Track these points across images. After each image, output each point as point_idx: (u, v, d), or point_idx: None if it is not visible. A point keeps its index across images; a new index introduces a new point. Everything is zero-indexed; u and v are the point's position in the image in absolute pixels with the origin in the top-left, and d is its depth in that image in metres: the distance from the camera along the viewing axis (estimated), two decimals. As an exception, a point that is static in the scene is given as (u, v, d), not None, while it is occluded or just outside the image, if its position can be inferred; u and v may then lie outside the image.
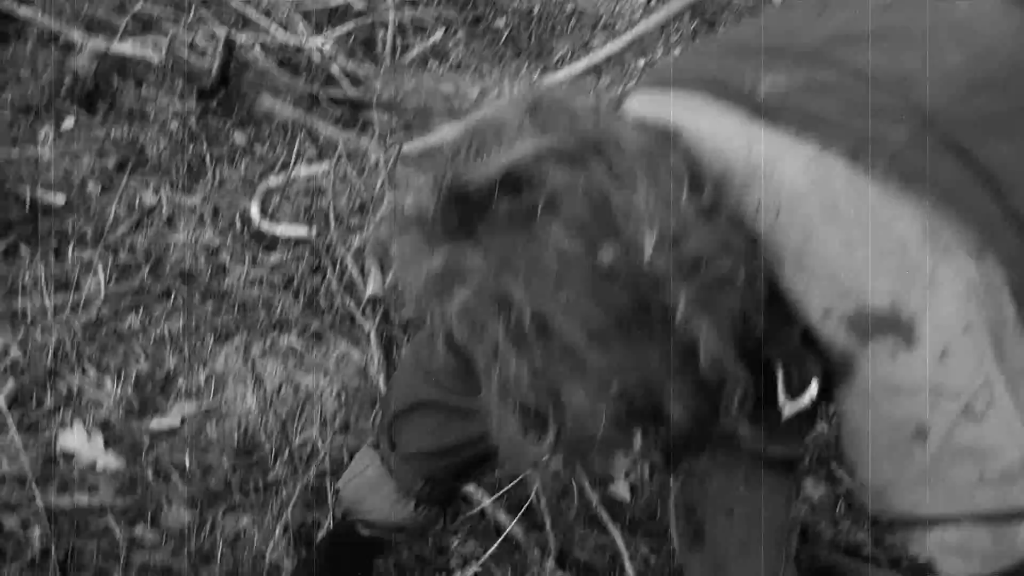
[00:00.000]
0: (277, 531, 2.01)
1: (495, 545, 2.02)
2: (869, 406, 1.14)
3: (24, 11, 3.40)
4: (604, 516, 2.16)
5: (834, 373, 1.17)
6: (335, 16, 3.79)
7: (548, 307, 1.03)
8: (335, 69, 3.51)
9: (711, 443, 1.21)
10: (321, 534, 2.03)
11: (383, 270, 2.67)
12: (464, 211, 1.06)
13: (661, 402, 1.08)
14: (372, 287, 2.58)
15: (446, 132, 3.18)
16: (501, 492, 2.12)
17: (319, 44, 3.53)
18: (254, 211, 2.86)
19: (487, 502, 2.11)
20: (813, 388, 1.17)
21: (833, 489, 2.43)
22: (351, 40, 3.73)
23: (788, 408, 1.20)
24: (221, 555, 1.96)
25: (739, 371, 1.10)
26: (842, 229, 1.12)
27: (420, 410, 1.61)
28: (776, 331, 1.14)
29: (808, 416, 1.77)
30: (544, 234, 1.03)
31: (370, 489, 1.69)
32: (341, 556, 1.78)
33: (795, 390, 1.19)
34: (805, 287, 1.13)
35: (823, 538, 2.30)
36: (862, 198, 1.12)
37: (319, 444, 2.18)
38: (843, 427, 1.20)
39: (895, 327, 1.10)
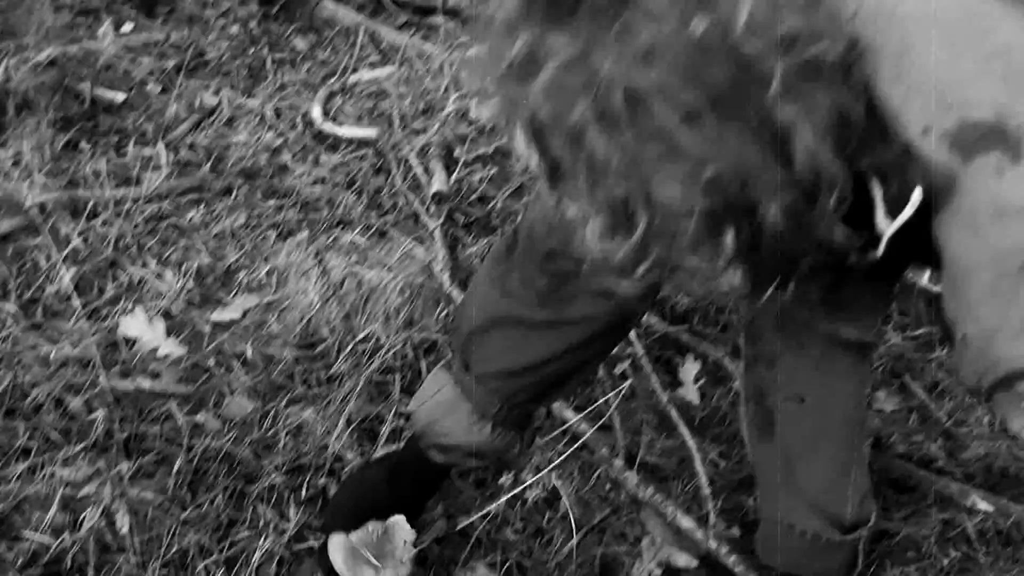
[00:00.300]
0: (340, 423, 1.96)
1: (568, 451, 1.96)
2: (973, 235, 1.06)
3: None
4: (674, 416, 2.10)
5: (935, 201, 1.09)
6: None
7: (639, 83, 0.97)
8: (399, -25, 3.44)
9: (801, 265, 1.13)
10: (384, 429, 1.99)
11: (448, 168, 2.61)
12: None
13: (755, 198, 1.01)
14: (437, 184, 2.52)
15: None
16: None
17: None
18: (316, 113, 2.81)
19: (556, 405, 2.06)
20: (915, 198, 1.09)
21: (906, 402, 2.36)
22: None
23: (887, 228, 1.12)
24: (283, 444, 1.93)
25: (836, 170, 1.03)
26: (943, 37, 1.04)
27: (497, 327, 1.54)
28: (873, 143, 1.06)
29: (884, 295, 1.69)
30: (635, 8, 0.97)
31: (444, 412, 1.61)
32: (404, 482, 1.72)
33: (895, 207, 1.11)
34: (903, 100, 1.06)
35: (895, 450, 2.23)
36: (964, 4, 1.05)
37: (382, 338, 2.14)
38: (945, 274, 1.12)
39: (1001, 141, 1.02)
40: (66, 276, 2.14)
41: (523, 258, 1.48)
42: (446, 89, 2.88)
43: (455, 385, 1.61)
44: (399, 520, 1.68)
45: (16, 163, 2.42)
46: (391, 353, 2.11)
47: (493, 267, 1.56)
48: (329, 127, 2.76)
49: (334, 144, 2.72)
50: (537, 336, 1.51)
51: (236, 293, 2.24)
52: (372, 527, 1.67)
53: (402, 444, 1.82)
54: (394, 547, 1.66)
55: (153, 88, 2.85)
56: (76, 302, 2.07)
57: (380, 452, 1.93)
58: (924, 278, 1.68)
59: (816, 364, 1.68)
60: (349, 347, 2.11)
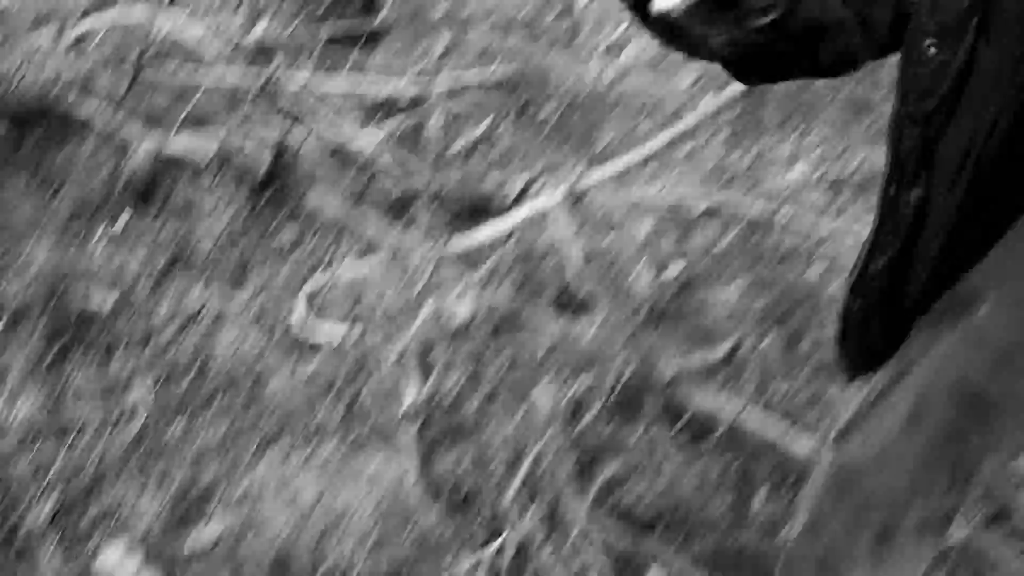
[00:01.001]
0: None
1: None
2: None
3: (83, 111, 3.49)
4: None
5: None
6: (384, 108, 3.84)
7: None
8: (384, 162, 3.55)
9: None
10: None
11: (424, 372, 2.69)
12: None
13: None
14: (412, 390, 2.60)
15: (493, 228, 3.21)
16: None
17: (368, 138, 3.58)
18: (299, 311, 2.90)
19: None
20: None
21: None
22: (399, 132, 3.78)
23: None
24: None
25: None
26: None
27: None
28: None
29: None
30: None
31: None
32: None
33: None
34: None
35: None
36: None
37: (355, 560, 2.20)
38: None
39: None
40: (46, 505, 2.21)
41: None
42: (426, 287, 2.97)
43: None
44: None
45: (2, 380, 2.51)
46: (361, 576, 2.17)
47: None
48: (311, 326, 2.85)
49: (313, 346, 2.80)
50: None
51: (213, 513, 2.30)
52: None
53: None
54: None
55: (142, 291, 2.95)
56: (52, 536, 2.14)
57: None
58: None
59: None
60: (321, 570, 2.17)
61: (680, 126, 3.57)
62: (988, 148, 1.19)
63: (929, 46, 1.19)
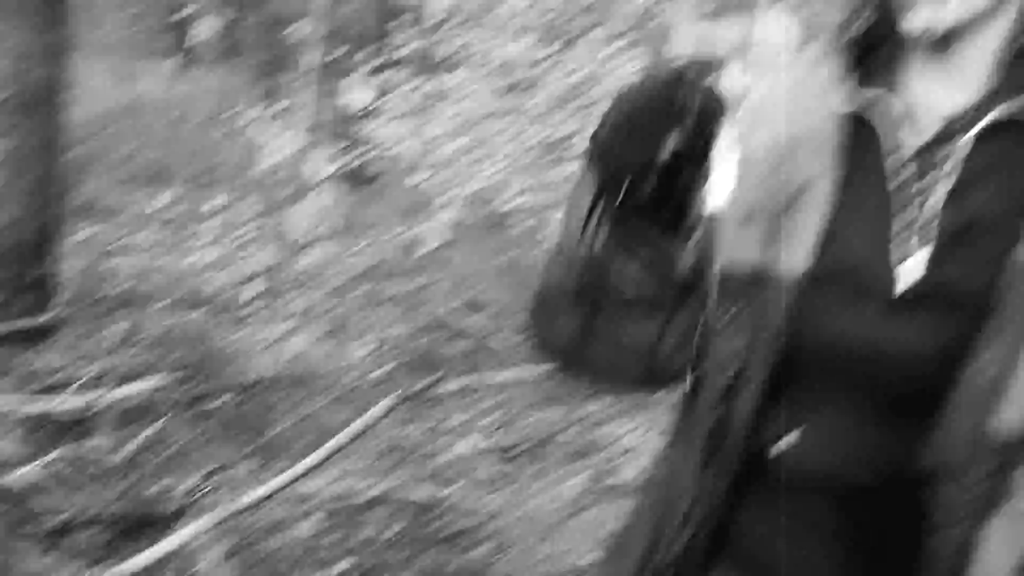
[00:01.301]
0: None
1: None
2: None
3: None
4: None
5: None
6: (48, 423, 3.76)
7: None
8: (45, 486, 3.48)
9: None
10: None
11: None
12: None
13: None
14: None
15: (150, 553, 3.17)
16: None
17: (29, 461, 3.50)
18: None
19: None
20: None
21: None
22: (64, 448, 3.70)
23: None
24: None
25: None
26: None
27: None
28: None
29: None
30: None
31: None
32: None
33: None
34: None
35: None
36: None
37: None
38: None
39: None
40: None
41: None
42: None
43: None
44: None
45: None
46: None
47: None
48: None
49: None
50: None
51: None
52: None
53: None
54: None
55: None
56: None
57: None
58: None
59: None
60: None
61: (354, 427, 3.66)
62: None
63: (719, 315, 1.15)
